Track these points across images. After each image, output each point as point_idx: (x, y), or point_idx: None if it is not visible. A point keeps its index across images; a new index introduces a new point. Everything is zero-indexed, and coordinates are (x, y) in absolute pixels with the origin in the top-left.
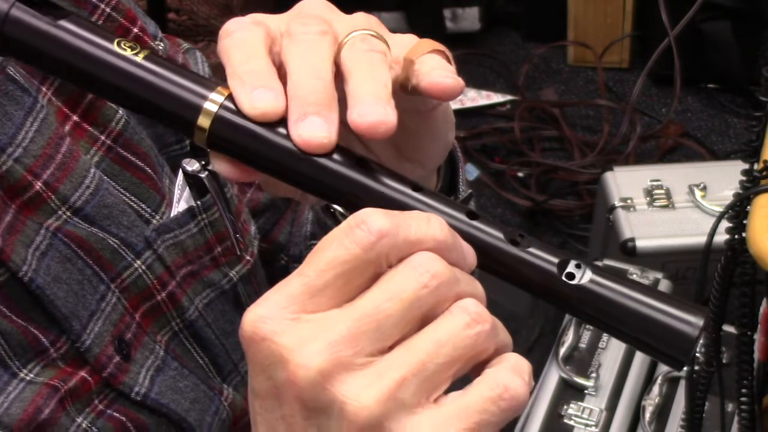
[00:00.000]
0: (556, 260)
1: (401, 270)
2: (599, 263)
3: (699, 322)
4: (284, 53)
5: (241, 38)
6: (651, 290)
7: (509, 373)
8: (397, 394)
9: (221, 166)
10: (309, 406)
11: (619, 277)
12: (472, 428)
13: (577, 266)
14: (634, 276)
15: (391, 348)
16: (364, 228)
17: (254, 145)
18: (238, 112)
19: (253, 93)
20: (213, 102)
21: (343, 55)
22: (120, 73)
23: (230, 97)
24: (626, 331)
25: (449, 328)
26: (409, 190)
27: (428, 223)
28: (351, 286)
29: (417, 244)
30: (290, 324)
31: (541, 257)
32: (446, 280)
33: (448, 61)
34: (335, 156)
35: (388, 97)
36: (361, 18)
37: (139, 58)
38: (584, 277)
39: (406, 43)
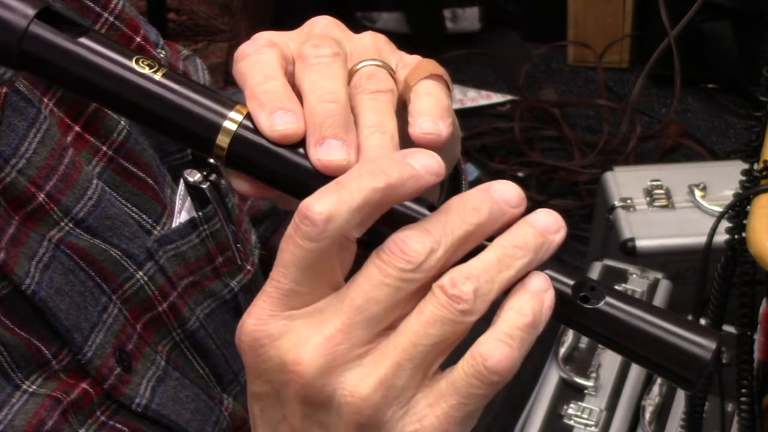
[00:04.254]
0: (571, 282)
1: (379, 258)
2: (599, 263)
3: (712, 345)
4: (298, 77)
5: (257, 60)
6: (664, 313)
7: (494, 342)
8: (394, 380)
9: (238, 183)
10: (310, 402)
11: (633, 299)
12: (462, 403)
13: (592, 289)
14: (634, 276)
15: (387, 329)
16: (307, 223)
17: (273, 164)
18: (257, 131)
19: (273, 115)
20: (232, 121)
21: (351, 93)
22: (138, 90)
23: (249, 116)
24: (640, 353)
25: (431, 312)
26: (425, 210)
27: (360, 174)
28: (322, 271)
29: (365, 206)
30: (285, 324)
31: (557, 279)
32: (424, 258)
33: (447, 85)
34: None
35: (395, 148)
36: (369, 38)
37: (157, 76)
38: (599, 300)
39: (411, 64)
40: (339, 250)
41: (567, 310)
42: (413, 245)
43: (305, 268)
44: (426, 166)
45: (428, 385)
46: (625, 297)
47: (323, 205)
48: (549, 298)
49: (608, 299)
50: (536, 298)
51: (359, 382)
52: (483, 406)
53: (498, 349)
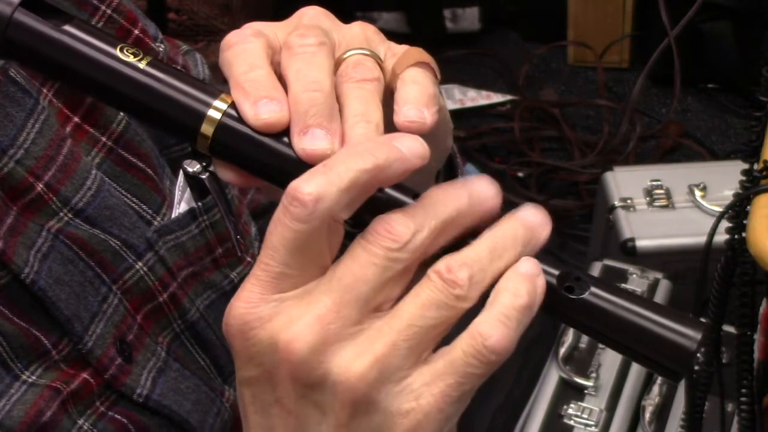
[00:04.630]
0: (556, 273)
1: (365, 239)
2: (599, 263)
3: (697, 335)
4: (283, 66)
5: (243, 49)
6: (650, 303)
7: (492, 323)
8: (389, 359)
9: (223, 172)
10: (303, 382)
11: (619, 290)
12: (459, 382)
13: (577, 279)
14: (634, 276)
15: (376, 309)
16: (296, 204)
17: (257, 153)
18: (241, 119)
19: (258, 104)
20: (216, 109)
21: (337, 82)
22: (122, 79)
23: (233, 105)
24: (625, 344)
25: (428, 295)
26: (409, 199)
27: (348, 156)
28: (311, 253)
29: (353, 186)
30: (275, 306)
31: (542, 270)
32: (410, 238)
33: (434, 73)
34: None
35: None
36: (357, 28)
37: (142, 65)
38: (584, 290)
39: (399, 53)
40: (327, 233)
41: (552, 301)
42: (398, 226)
43: (294, 249)
44: (411, 149)
45: (423, 366)
46: (611, 287)
47: (312, 186)
48: (541, 283)
49: (593, 289)
50: (529, 281)
51: (354, 360)
52: (477, 386)
53: (497, 328)
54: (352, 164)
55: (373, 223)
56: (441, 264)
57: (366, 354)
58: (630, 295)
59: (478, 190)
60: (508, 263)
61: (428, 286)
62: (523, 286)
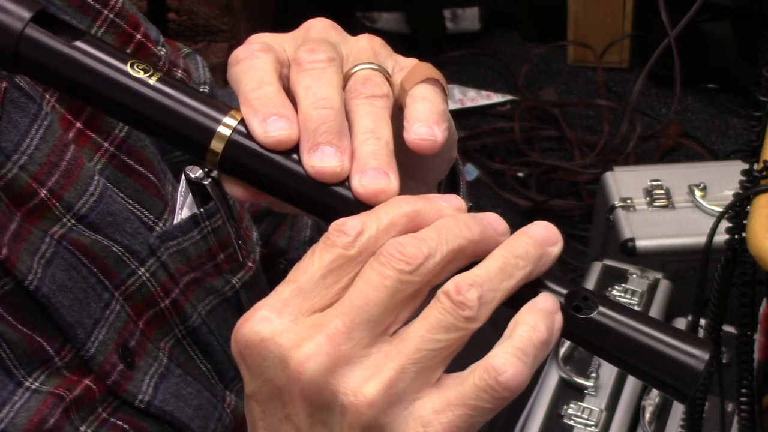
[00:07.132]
0: (564, 292)
1: (377, 262)
2: (599, 263)
3: (704, 355)
4: (293, 82)
5: (251, 65)
6: (657, 323)
7: (508, 357)
8: (398, 383)
9: (232, 188)
10: (313, 401)
11: (626, 309)
12: (469, 414)
13: (585, 299)
14: (634, 276)
15: (386, 332)
16: (340, 234)
17: (266, 170)
18: (251, 136)
19: (267, 121)
20: (226, 126)
21: (346, 98)
22: (133, 95)
23: (243, 122)
24: (633, 363)
25: (437, 317)
26: None
27: (396, 206)
28: (339, 282)
29: (393, 226)
30: (289, 323)
31: (550, 289)
32: (422, 261)
33: (443, 89)
34: (346, 182)
35: (390, 158)
36: (365, 41)
37: (152, 81)
38: (592, 309)
39: (407, 67)
40: (357, 270)
41: None
42: (411, 249)
43: (327, 271)
44: (455, 206)
45: (433, 392)
46: (619, 307)
47: (355, 221)
48: (559, 319)
49: (601, 309)
50: (549, 317)
51: (363, 384)
52: (488, 419)
53: (512, 364)
54: (391, 209)
55: (386, 246)
56: (450, 284)
57: (375, 378)
58: (637, 315)
59: (491, 224)
60: (520, 281)
61: (437, 308)
62: (542, 321)
